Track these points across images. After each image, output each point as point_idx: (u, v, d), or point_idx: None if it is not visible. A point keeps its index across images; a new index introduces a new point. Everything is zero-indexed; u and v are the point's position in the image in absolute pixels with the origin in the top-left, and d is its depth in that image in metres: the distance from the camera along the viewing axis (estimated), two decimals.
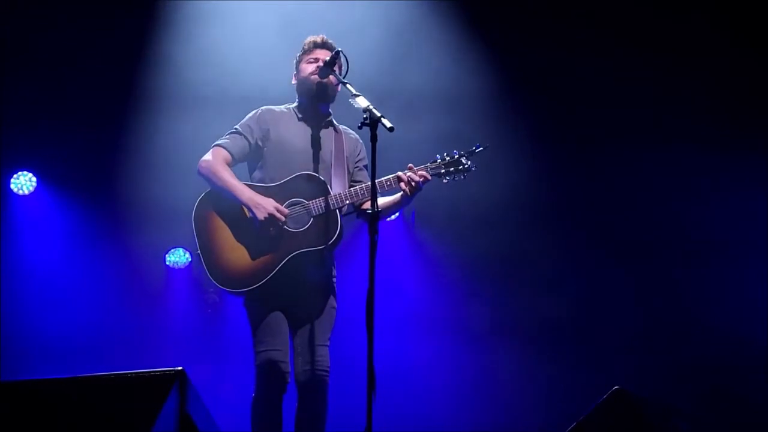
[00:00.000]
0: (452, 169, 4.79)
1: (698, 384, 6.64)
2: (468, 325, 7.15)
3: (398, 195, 4.81)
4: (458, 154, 4.81)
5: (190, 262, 7.16)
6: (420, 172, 4.70)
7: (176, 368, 3.55)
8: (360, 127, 4.27)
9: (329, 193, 4.74)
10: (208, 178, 4.83)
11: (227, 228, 4.79)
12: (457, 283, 7.20)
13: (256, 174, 4.92)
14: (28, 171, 7.09)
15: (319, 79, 4.87)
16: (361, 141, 5.07)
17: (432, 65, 7.09)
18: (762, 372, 6.62)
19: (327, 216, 4.72)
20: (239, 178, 4.85)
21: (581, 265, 7.06)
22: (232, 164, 4.88)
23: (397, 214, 6.99)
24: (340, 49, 4.78)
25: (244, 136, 4.91)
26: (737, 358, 6.67)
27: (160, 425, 3.37)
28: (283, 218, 4.70)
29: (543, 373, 6.96)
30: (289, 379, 4.71)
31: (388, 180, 4.73)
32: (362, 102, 4.36)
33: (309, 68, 4.94)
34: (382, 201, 4.75)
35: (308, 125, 4.96)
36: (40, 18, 6.85)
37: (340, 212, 4.76)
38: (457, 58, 7.09)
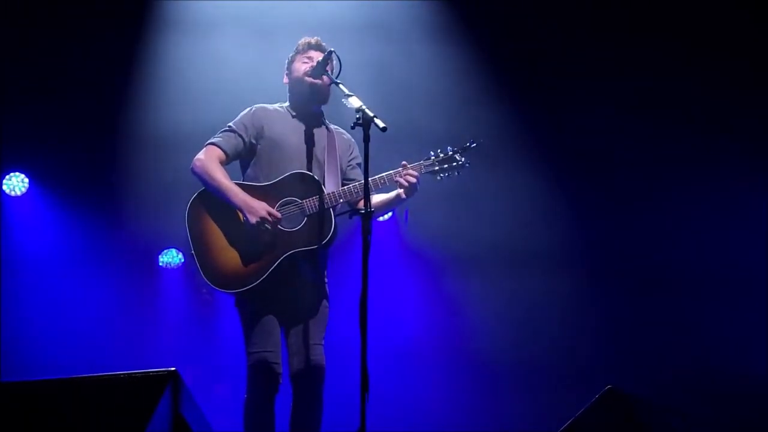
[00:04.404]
0: (446, 166, 4.80)
1: (693, 382, 6.65)
2: (463, 325, 7.16)
3: (392, 193, 4.82)
4: (452, 151, 4.82)
5: (183, 262, 7.15)
6: (414, 170, 4.71)
7: (169, 369, 3.54)
8: (353, 127, 4.28)
9: (323, 192, 4.74)
10: (201, 177, 4.82)
11: (221, 228, 4.78)
12: (452, 282, 7.21)
13: (249, 172, 4.91)
14: (21, 172, 7.07)
15: (312, 80, 4.88)
16: (353, 140, 5.08)
17: (425, 63, 7.09)
18: (758, 369, 6.64)
19: (321, 215, 4.71)
20: (232, 175, 4.84)
21: (577, 262, 7.07)
22: (225, 163, 4.87)
23: (390, 213, 7.04)
24: (332, 49, 4.78)
25: (238, 134, 4.90)
26: (734, 356, 6.69)
27: (153, 426, 3.37)
28: (274, 222, 4.69)
29: (537, 373, 6.97)
30: (281, 380, 4.70)
31: (382, 178, 4.73)
32: (355, 102, 4.37)
33: (303, 68, 4.94)
34: (375, 199, 4.77)
35: (301, 124, 4.96)
36: (33, 19, 6.84)
37: (333, 211, 4.75)
38: (452, 55, 7.10)
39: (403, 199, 4.76)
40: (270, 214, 4.68)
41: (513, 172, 7.07)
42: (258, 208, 4.69)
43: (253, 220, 4.67)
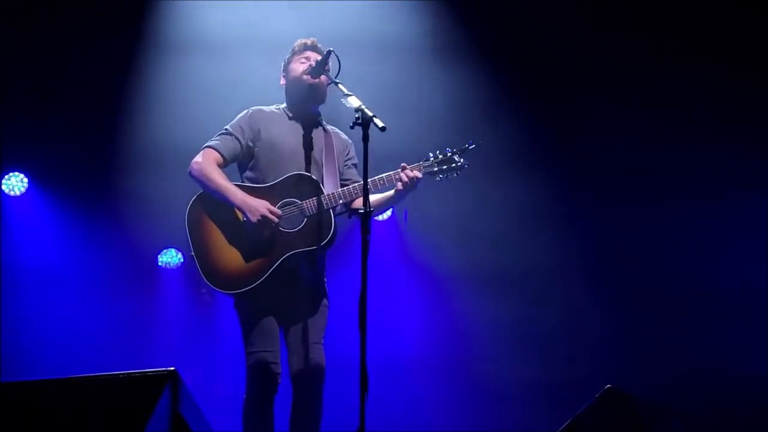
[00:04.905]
0: (445, 167, 4.81)
1: (692, 383, 6.65)
2: (461, 325, 7.16)
3: (390, 192, 4.82)
4: (451, 152, 4.83)
5: (183, 262, 7.14)
6: (413, 171, 4.71)
7: (169, 368, 3.55)
8: (352, 127, 4.27)
9: (322, 193, 4.74)
10: (199, 180, 4.82)
11: (220, 229, 4.78)
12: (451, 283, 7.20)
13: (248, 174, 4.92)
14: (20, 172, 7.07)
15: (311, 80, 4.88)
16: (350, 141, 5.08)
17: (424, 65, 7.09)
18: (758, 369, 6.64)
19: (320, 216, 4.71)
20: (230, 178, 4.84)
21: (576, 264, 7.06)
22: (223, 165, 4.87)
23: (388, 213, 7.06)
24: (331, 49, 4.78)
25: (235, 137, 4.91)
26: (734, 357, 6.70)
27: (152, 425, 3.37)
28: (276, 220, 4.69)
29: (536, 373, 6.97)
30: (280, 380, 4.70)
31: (381, 179, 4.74)
32: (354, 102, 4.36)
33: (300, 68, 4.94)
34: (373, 198, 4.75)
35: (299, 125, 4.96)
36: (33, 19, 6.84)
37: (333, 212, 4.76)
38: (453, 58, 7.09)
39: (402, 195, 4.76)
40: (271, 212, 4.69)
41: (514, 180, 7.07)
42: (258, 207, 4.69)
43: (254, 218, 4.67)
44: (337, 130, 5.08)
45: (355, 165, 5.05)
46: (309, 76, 4.87)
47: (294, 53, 5.03)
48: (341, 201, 4.75)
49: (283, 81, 5.06)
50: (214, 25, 6.96)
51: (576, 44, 6.99)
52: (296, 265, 4.73)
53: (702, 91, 6.83)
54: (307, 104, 4.98)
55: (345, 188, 4.78)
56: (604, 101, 6.97)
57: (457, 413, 7.01)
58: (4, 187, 7.02)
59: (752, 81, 6.82)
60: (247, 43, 6.88)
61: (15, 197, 7.05)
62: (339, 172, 4.95)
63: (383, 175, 4.74)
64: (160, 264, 7.19)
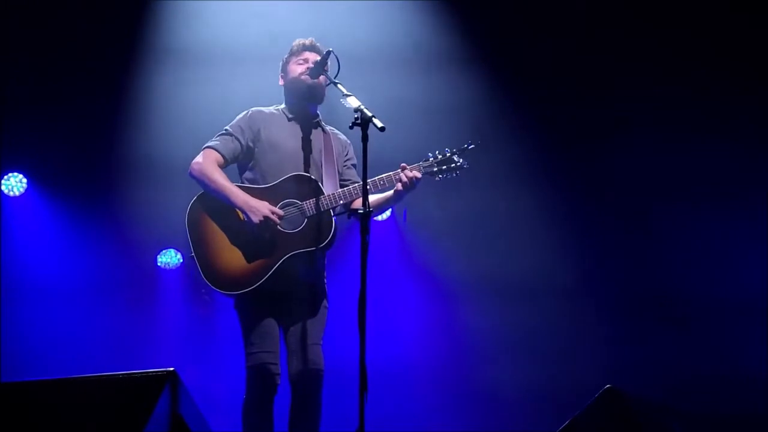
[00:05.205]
0: (444, 167, 4.82)
1: (692, 383, 6.65)
2: (460, 326, 7.15)
3: (389, 193, 4.82)
4: (450, 152, 4.83)
5: (182, 263, 7.14)
6: (413, 171, 4.71)
7: (168, 369, 3.55)
8: (351, 127, 4.28)
9: (322, 194, 4.74)
10: (200, 180, 4.82)
11: (221, 230, 4.79)
12: (450, 283, 7.20)
13: (248, 174, 4.92)
14: (19, 172, 7.06)
15: (310, 80, 4.88)
16: (349, 141, 5.09)
17: (424, 66, 7.09)
18: (759, 372, 6.64)
19: (320, 216, 4.72)
20: (229, 178, 4.85)
21: (575, 264, 7.06)
22: (223, 166, 4.88)
23: (388, 213, 7.05)
24: (331, 49, 4.78)
25: (236, 137, 4.91)
26: (734, 358, 6.70)
27: (152, 426, 3.37)
28: (277, 220, 4.70)
29: (536, 373, 6.96)
30: (279, 381, 4.71)
31: (381, 179, 4.74)
32: (353, 102, 4.37)
33: (299, 69, 4.96)
34: (373, 199, 4.75)
35: (298, 126, 4.97)
36: (30, 17, 6.84)
37: (333, 212, 4.76)
38: (454, 60, 7.09)
39: (401, 195, 4.76)
40: (272, 212, 4.69)
41: (514, 182, 7.06)
42: (260, 207, 4.69)
43: (255, 219, 4.68)
44: (336, 130, 5.09)
45: (354, 165, 5.06)
46: (308, 77, 4.88)
47: (292, 54, 5.04)
48: (341, 201, 4.76)
49: (281, 81, 5.07)
50: (214, 31, 6.94)
51: (577, 47, 6.97)
52: (296, 265, 4.73)
53: (702, 92, 6.82)
54: (306, 104, 4.99)
55: (345, 189, 4.78)
56: (606, 105, 6.96)
57: (457, 413, 7.00)
58: (3, 188, 7.01)
59: (752, 81, 6.81)
60: (248, 48, 6.87)
61: (14, 197, 7.05)
62: (338, 172, 4.95)
63: (383, 175, 4.75)
64: (159, 264, 7.19)
